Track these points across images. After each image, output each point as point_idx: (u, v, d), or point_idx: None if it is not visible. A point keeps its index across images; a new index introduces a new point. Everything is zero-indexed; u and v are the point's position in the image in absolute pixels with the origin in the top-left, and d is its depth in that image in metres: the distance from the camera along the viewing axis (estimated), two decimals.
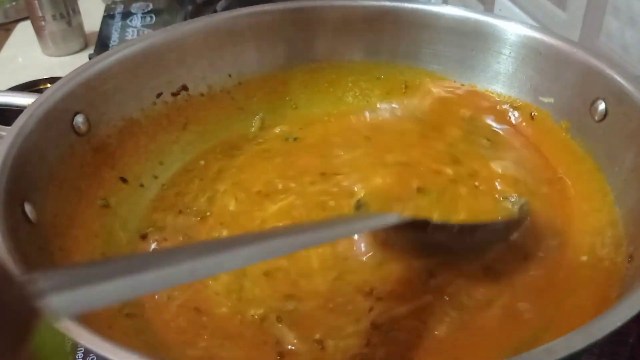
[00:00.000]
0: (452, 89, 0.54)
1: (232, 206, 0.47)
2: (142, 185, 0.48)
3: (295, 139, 0.54)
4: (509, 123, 0.52)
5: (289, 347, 0.36)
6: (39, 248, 0.36)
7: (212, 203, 0.47)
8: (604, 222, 0.41)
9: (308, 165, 0.50)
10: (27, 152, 0.39)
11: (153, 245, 0.44)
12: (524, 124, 0.51)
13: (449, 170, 0.48)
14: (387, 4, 0.54)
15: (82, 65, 0.46)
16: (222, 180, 0.49)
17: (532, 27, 0.51)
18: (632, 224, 0.38)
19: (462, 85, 0.54)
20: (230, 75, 0.54)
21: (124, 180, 0.47)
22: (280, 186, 0.48)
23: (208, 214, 0.46)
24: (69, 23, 0.79)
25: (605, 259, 0.39)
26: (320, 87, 0.57)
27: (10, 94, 0.47)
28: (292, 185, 0.48)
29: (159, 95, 0.51)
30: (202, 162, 0.51)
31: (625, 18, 0.55)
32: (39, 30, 0.79)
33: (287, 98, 0.56)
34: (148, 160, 0.49)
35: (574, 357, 0.27)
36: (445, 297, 0.38)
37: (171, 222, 0.46)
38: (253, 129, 0.55)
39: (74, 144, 0.43)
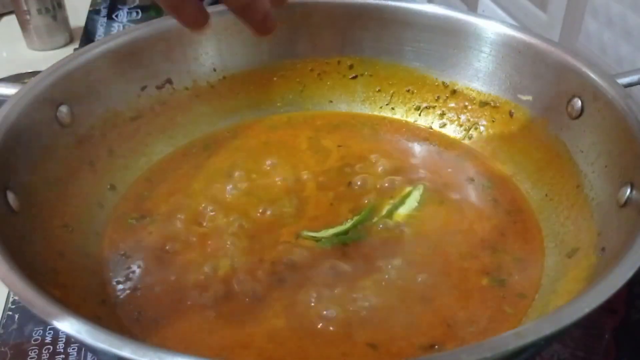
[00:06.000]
0: None
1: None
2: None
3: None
4: None
5: None
6: (21, 237, 0.36)
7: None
8: (579, 215, 0.42)
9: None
10: (10, 141, 0.39)
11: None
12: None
13: None
14: (371, 1, 0.55)
15: (66, 57, 0.46)
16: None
17: (511, 26, 0.51)
18: (605, 216, 0.39)
19: (444, 83, 0.55)
20: (215, 70, 0.54)
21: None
22: None
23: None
24: (54, 17, 0.79)
25: (580, 251, 0.40)
26: (304, 84, 0.57)
27: None
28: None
29: (143, 88, 0.51)
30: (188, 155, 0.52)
31: (603, 19, 0.56)
32: (23, 25, 0.79)
33: (271, 94, 0.57)
34: (132, 152, 0.49)
35: (544, 342, 0.28)
36: None
37: (160, 211, 0.46)
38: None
39: (57, 135, 0.44)
